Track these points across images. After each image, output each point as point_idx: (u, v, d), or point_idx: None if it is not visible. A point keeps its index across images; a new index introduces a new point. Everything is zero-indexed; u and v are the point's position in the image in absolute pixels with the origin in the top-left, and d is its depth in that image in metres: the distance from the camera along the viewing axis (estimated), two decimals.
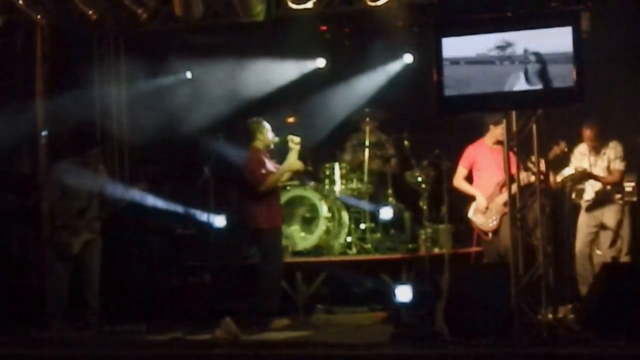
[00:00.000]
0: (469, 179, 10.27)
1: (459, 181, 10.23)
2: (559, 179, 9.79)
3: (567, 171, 9.84)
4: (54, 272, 10.01)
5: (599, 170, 9.93)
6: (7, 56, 11.83)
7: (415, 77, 12.17)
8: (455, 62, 8.29)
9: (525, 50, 8.12)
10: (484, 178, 10.09)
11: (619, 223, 9.97)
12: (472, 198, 10.18)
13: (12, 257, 11.07)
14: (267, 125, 10.09)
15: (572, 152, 10.03)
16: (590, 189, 10.06)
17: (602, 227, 10.02)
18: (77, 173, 10.06)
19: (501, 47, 8.18)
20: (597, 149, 9.98)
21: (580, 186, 10.08)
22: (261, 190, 9.86)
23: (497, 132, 9.92)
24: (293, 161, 10.04)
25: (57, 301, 9.97)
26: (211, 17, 11.31)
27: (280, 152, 10.29)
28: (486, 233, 10.02)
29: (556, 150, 9.42)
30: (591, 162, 9.98)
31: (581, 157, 10.04)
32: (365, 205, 11.61)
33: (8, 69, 11.89)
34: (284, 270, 10.22)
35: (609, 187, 9.98)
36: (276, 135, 10.12)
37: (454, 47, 8.31)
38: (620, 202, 9.99)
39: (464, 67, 8.28)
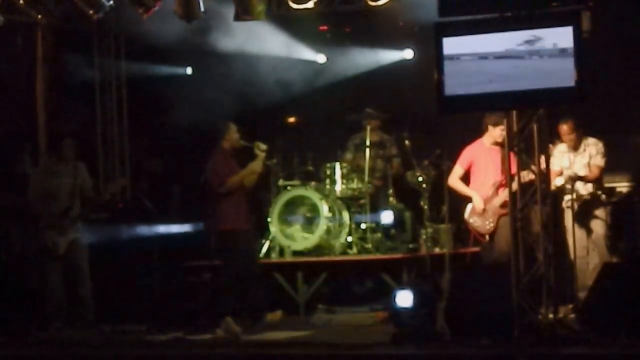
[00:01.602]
0: (465, 180, 10.23)
1: (455, 181, 10.20)
2: (552, 187, 9.78)
3: (559, 181, 9.82)
4: (45, 273, 10.01)
5: (579, 167, 9.88)
6: (8, 56, 11.83)
7: (416, 76, 12.17)
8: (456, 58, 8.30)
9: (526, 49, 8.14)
10: (480, 179, 10.07)
11: (603, 222, 9.92)
12: (468, 199, 10.16)
13: (12, 257, 11.06)
14: (233, 127, 10.13)
15: (551, 153, 10.00)
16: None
17: (588, 226, 9.96)
18: (57, 173, 10.06)
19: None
20: (575, 145, 9.93)
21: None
22: (221, 191, 9.86)
23: (495, 133, 9.92)
24: (254, 163, 10.06)
25: (54, 301, 9.97)
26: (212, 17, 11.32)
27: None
28: (483, 235, 10.00)
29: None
30: (571, 160, 9.94)
31: (561, 156, 10.00)
32: (367, 217, 11.61)
33: (8, 69, 11.89)
34: (247, 273, 10.05)
35: (590, 185, 9.92)
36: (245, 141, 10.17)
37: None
38: (603, 201, 9.96)
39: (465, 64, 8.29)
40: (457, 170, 10.18)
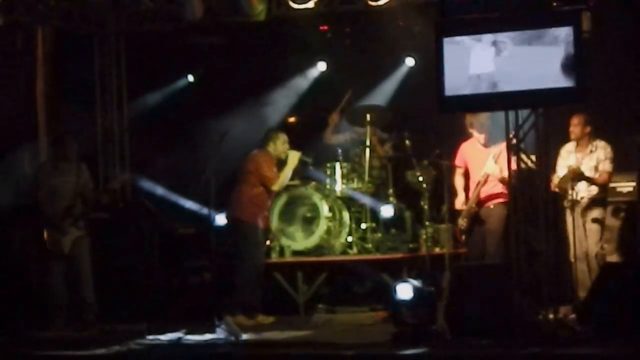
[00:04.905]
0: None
1: (454, 179, 10.30)
2: (555, 180, 9.79)
3: (561, 172, 9.84)
4: (48, 273, 10.02)
5: (585, 169, 9.88)
6: (8, 56, 11.83)
7: (416, 76, 12.17)
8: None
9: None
10: (473, 176, 10.20)
11: (602, 221, 9.92)
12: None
13: (12, 257, 11.06)
14: (283, 138, 10.45)
15: (558, 153, 10.01)
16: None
17: (586, 224, 9.96)
18: (61, 171, 10.07)
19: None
20: (577, 139, 9.92)
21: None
22: (275, 189, 10.33)
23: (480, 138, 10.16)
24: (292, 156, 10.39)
25: (56, 301, 9.97)
26: (212, 17, 11.33)
27: None
28: (461, 233, 10.11)
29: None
30: (577, 159, 9.93)
31: (567, 155, 9.99)
32: (367, 200, 11.60)
33: (9, 68, 11.89)
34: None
35: (594, 187, 9.92)
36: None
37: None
38: (604, 201, 9.95)
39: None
40: (457, 169, 10.29)
